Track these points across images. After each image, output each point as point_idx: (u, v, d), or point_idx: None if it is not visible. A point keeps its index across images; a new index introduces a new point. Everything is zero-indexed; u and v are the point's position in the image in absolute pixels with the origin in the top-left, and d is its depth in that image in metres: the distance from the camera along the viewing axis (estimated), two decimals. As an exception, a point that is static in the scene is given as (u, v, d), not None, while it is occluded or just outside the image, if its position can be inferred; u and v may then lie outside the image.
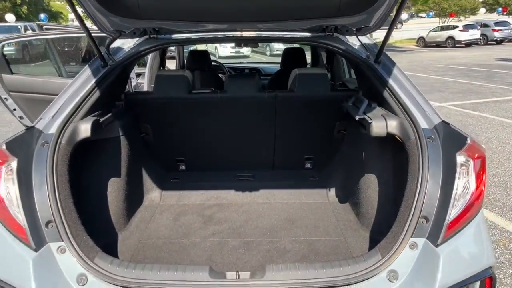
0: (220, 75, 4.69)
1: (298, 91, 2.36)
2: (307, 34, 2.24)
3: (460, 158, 1.52)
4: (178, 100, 2.34)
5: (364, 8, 2.02)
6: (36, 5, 44.92)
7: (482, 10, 38.41)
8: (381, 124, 1.82)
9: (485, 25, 26.84)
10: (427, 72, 14.02)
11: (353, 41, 2.29)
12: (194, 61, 3.66)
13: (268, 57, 12.54)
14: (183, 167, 2.74)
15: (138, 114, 2.40)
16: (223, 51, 14.68)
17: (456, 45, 25.86)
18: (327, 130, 2.57)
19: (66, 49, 4.20)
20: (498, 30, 26.28)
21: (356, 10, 2.05)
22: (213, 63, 4.95)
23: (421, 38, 28.43)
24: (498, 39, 26.28)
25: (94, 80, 1.94)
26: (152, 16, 2.04)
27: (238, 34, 2.22)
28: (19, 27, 18.60)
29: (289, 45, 3.97)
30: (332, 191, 2.64)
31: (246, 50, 13.06)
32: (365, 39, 2.30)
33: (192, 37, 2.21)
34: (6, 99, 3.21)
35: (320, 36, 2.22)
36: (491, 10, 38.89)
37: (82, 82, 1.93)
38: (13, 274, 1.38)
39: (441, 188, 1.49)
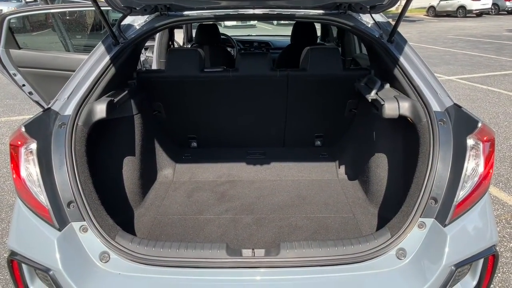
0: (229, 49, 4.65)
1: (310, 70, 2.35)
2: (320, 11, 2.20)
3: (470, 141, 1.55)
4: (190, 79, 2.35)
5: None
6: (34, -30, 43.55)
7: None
8: (393, 106, 1.84)
9: (499, -5, 25.98)
10: (436, 44, 13.72)
11: (366, 19, 2.25)
12: (203, 35, 3.61)
13: (275, 26, 12.24)
14: (195, 144, 2.79)
15: (150, 92, 2.42)
16: (230, 21, 14.26)
17: (467, 15, 25.12)
18: (338, 108, 2.59)
19: (68, 17, 4.12)
20: (510, 0, 25.42)
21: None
22: (222, 36, 4.88)
23: (432, 7, 27.55)
24: (510, 8, 25.48)
25: (106, 60, 1.94)
26: None
27: (249, 11, 2.19)
28: (19, -6, 18.12)
29: None
30: (342, 169, 2.69)
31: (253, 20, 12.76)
32: (378, 17, 2.26)
33: (204, 14, 2.18)
34: (15, 75, 3.21)
35: (333, 13, 2.19)
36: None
37: (95, 62, 1.94)
38: (39, 253, 1.44)
39: (451, 170, 1.53)
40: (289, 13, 2.19)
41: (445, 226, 1.48)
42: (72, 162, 1.51)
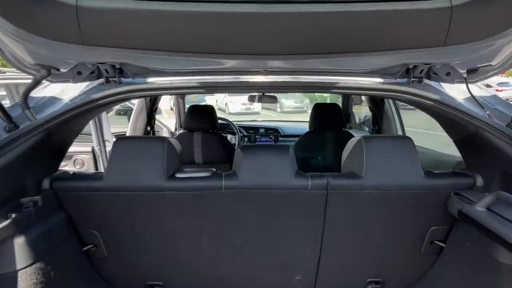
0: (230, 137, 3.79)
1: (367, 177, 1.34)
2: (378, 79, 1.31)
3: None
4: (149, 191, 1.32)
5: (491, 33, 1.13)
6: None
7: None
8: None
9: (488, 86, 27.01)
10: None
11: (449, 90, 1.36)
12: (194, 119, 2.69)
13: (279, 113, 11.60)
14: None
15: (77, 215, 1.36)
16: (234, 107, 13.22)
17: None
18: (411, 238, 1.50)
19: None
20: (501, 90, 26.36)
21: (475, 37, 1.15)
22: (220, 121, 4.03)
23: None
24: (503, 98, 26.37)
25: None
26: (109, 42, 1.14)
27: (259, 78, 1.30)
28: None
29: (306, 93, 3.04)
30: None
31: (256, 106, 11.95)
32: (475, 89, 1.37)
33: (184, 82, 1.28)
34: None
35: (398, 83, 1.29)
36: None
37: None
38: None
39: None
40: (326, 82, 1.30)
41: None
42: None
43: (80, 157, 2.72)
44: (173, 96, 3.62)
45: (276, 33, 1.14)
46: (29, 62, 1.15)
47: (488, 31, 1.13)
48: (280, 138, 4.01)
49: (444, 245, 1.47)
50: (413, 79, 1.27)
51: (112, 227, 1.39)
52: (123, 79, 1.28)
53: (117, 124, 4.13)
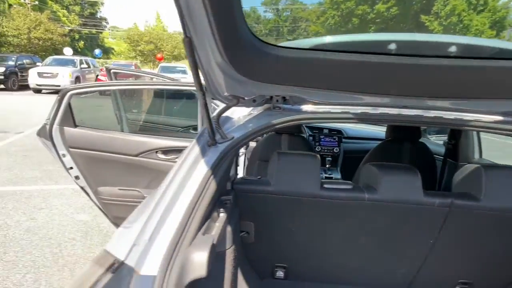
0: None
1: (485, 200, 1.60)
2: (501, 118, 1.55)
3: None
4: (305, 197, 1.65)
5: None
6: (91, 41, 49.41)
7: None
8: None
9: None
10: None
11: None
12: None
13: None
14: (281, 274, 1.99)
15: (243, 209, 1.73)
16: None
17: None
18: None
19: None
20: None
21: None
22: None
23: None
24: None
25: (204, 171, 1.32)
26: (289, 81, 1.44)
27: (395, 111, 1.58)
28: (75, 60, 19.42)
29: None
30: None
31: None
32: None
33: (333, 112, 1.58)
34: (64, 156, 2.69)
35: None
36: None
37: (185, 174, 1.31)
38: None
39: None
40: (457, 118, 1.55)
41: None
42: None
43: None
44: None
45: (421, 81, 1.40)
46: (223, 91, 1.47)
47: None
48: (343, 140, 4.21)
49: None
50: None
51: (266, 220, 1.75)
52: (284, 106, 1.59)
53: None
